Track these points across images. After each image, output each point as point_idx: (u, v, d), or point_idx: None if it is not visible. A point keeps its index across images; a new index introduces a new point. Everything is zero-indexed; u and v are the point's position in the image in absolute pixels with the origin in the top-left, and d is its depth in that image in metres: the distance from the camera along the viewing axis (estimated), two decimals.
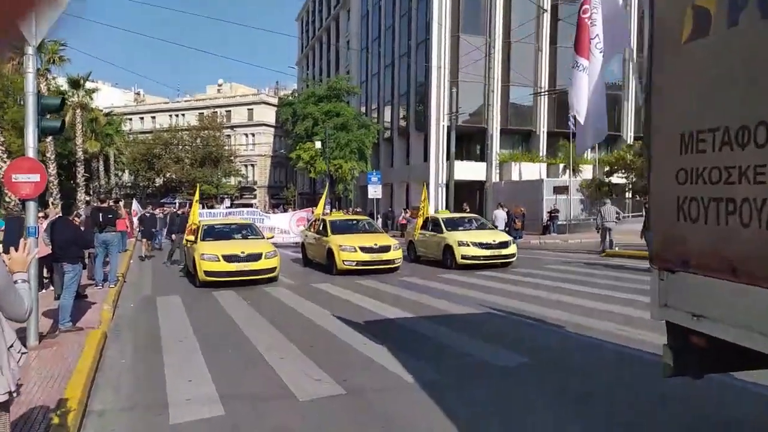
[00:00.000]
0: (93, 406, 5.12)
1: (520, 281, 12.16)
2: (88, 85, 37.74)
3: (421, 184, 38.90)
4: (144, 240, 19.63)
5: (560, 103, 37.92)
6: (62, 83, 36.73)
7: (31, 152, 6.73)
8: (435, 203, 33.53)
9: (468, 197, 29.65)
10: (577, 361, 6.22)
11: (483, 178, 33.09)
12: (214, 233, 13.57)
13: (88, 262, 12.12)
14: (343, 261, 13.64)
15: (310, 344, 6.97)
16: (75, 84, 35.54)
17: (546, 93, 37.99)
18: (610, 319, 7.99)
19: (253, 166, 67.63)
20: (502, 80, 37.52)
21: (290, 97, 51.19)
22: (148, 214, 21.32)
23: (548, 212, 29.65)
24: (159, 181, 61.15)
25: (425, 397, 5.03)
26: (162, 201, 50.54)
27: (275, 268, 12.49)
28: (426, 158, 38.10)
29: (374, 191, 29.96)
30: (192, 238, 13.34)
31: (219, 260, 11.87)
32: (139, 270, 16.33)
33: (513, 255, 14.90)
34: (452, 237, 14.94)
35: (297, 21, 69.94)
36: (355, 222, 16.75)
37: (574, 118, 30.90)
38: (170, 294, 11.58)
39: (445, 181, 32.49)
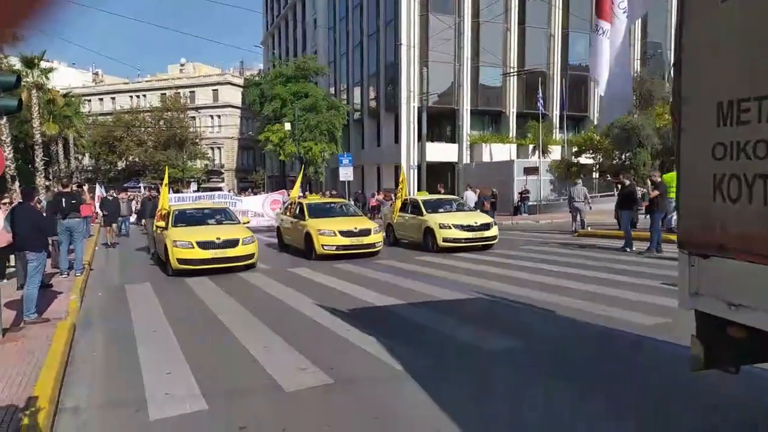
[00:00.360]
0: (65, 403, 4.82)
1: (503, 263, 12.08)
2: (44, 64, 36.04)
3: (392, 166, 38.86)
4: (107, 227, 18.70)
5: (529, 84, 38.08)
6: (15, 63, 35.02)
7: None
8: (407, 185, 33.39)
9: (439, 179, 29.60)
10: (567, 343, 6.18)
11: (453, 159, 33.09)
12: (186, 218, 13.00)
13: (52, 250, 11.57)
14: (322, 245, 13.28)
15: (293, 332, 6.75)
16: (29, 63, 33.80)
17: (515, 73, 38.04)
18: (595, 299, 7.99)
19: (219, 149, 66.25)
20: (472, 60, 37.40)
21: (257, 78, 50.09)
22: (110, 198, 20.51)
23: (519, 193, 29.87)
24: (121, 164, 59.40)
25: (416, 384, 4.89)
26: (125, 185, 49.14)
27: (253, 254, 12.05)
28: (397, 140, 37.88)
29: (345, 173, 29.59)
30: (162, 224, 12.77)
31: (193, 247, 11.35)
32: (105, 258, 15.76)
33: (495, 237, 14.73)
34: (433, 219, 14.70)
35: None
36: (332, 205, 16.36)
37: (549, 98, 30.82)
38: (140, 282, 11.18)
39: (416, 163, 32.33)
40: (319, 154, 38.98)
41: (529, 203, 29.72)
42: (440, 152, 34.65)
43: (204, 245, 11.42)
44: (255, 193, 33.01)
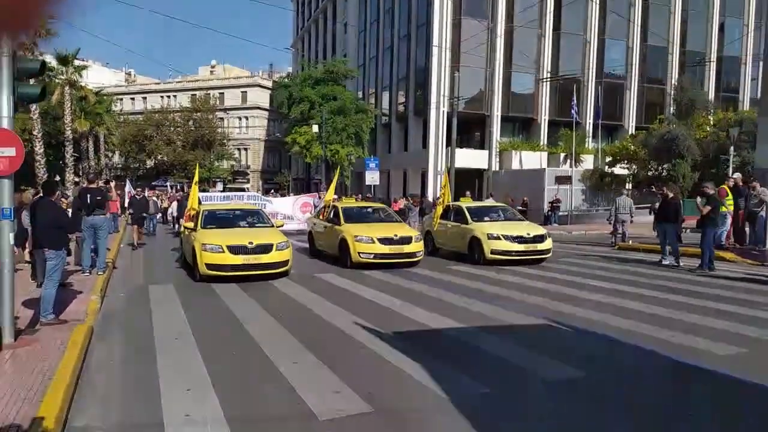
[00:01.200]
0: (75, 421, 4.33)
1: (551, 278, 11.15)
2: (77, 62, 36.41)
3: (418, 171, 38.25)
4: (134, 226, 18.32)
5: (562, 91, 37.21)
6: (50, 60, 35.40)
7: (5, 122, 5.84)
8: (433, 192, 32.73)
9: (467, 185, 28.84)
10: (634, 374, 5.46)
11: (482, 166, 32.37)
12: (216, 220, 12.27)
13: (75, 246, 11.24)
14: (359, 253, 12.36)
15: (326, 348, 6.16)
16: (63, 61, 34.19)
17: (549, 80, 37.17)
18: (655, 322, 7.22)
19: (246, 150, 66.49)
20: (504, 66, 36.64)
21: (286, 80, 50.07)
22: (138, 196, 20.23)
23: (550, 202, 28.97)
24: (150, 163, 59.97)
25: (466, 417, 4.26)
26: (153, 183, 49.49)
27: (287, 261, 11.16)
28: (425, 145, 37.27)
29: (372, 178, 29.06)
30: (191, 225, 12.05)
31: (223, 251, 10.54)
32: (130, 256, 15.43)
33: (548, 250, 13.38)
34: (480, 228, 13.58)
35: (292, 1, 68.50)
36: (370, 210, 15.40)
37: (582, 106, 30.00)
38: (164, 283, 10.74)
39: (444, 169, 31.64)
40: (345, 157, 38.59)
41: (560, 213, 28.80)
42: (469, 158, 33.92)
43: (235, 250, 10.60)
44: (281, 195, 32.61)
